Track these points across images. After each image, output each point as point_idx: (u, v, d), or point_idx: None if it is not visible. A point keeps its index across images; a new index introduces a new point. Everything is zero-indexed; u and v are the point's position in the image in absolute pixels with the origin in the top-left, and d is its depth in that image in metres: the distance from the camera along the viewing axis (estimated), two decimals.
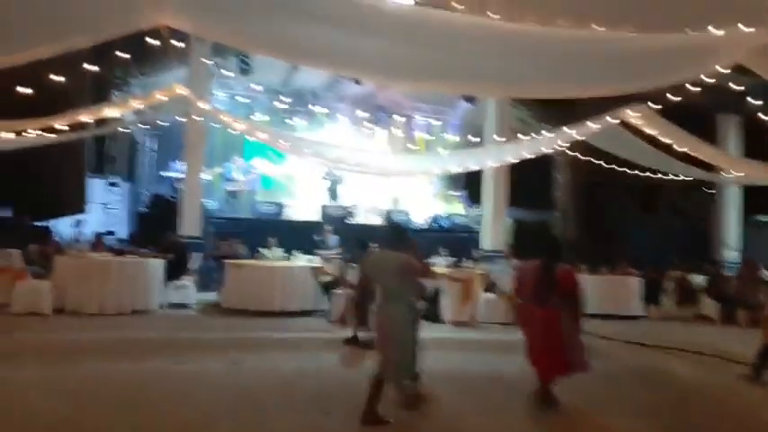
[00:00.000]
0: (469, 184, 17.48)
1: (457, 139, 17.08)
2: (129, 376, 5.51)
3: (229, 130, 10.87)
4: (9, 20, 4.76)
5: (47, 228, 11.63)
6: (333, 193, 15.32)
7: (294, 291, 9.47)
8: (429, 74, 6.39)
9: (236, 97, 15.23)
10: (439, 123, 17.40)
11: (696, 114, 11.88)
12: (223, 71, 12.47)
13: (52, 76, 9.08)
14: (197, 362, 6.13)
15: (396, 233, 4.96)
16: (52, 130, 8.81)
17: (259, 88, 14.58)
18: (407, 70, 6.35)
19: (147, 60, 12.68)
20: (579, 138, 9.60)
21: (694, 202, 18.51)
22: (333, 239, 10.99)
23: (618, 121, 8.85)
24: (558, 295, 4.93)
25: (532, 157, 10.59)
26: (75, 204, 12.46)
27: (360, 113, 16.16)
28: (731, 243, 16.35)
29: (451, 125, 16.86)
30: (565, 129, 8.89)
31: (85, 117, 8.50)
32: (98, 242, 10.51)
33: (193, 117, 10.08)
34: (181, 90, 7.91)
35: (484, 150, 10.82)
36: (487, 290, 10.40)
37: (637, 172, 14.38)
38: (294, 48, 5.84)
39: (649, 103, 9.20)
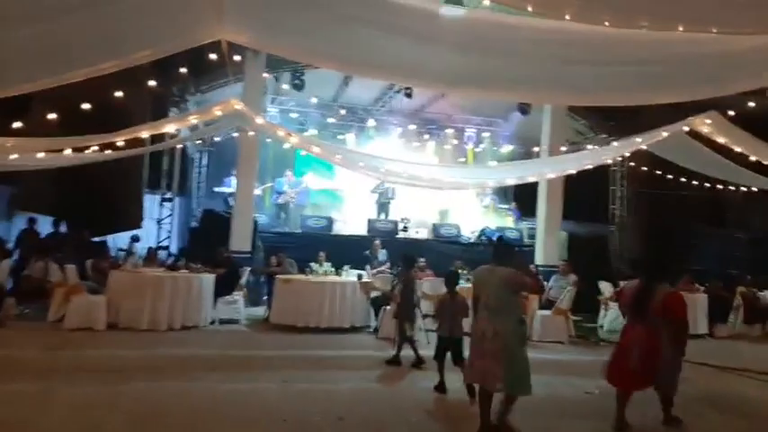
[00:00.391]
0: (520, 197, 17.07)
1: (510, 148, 16.73)
2: (182, 395, 5.42)
3: (283, 144, 10.89)
4: (73, 36, 4.81)
5: (104, 243, 11.88)
6: (382, 207, 15.19)
7: (344, 306, 9.32)
8: (493, 81, 6.17)
9: (289, 113, 15.35)
10: (489, 135, 17.07)
11: (763, 122, 11.23)
12: (284, 86, 12.49)
13: (114, 94, 9.36)
14: (248, 381, 6.02)
15: (502, 248, 5.05)
16: (112, 146, 8.99)
17: (314, 101, 14.65)
18: (470, 78, 6.14)
19: (203, 77, 12.94)
20: (644, 147, 9.14)
21: (760, 215, 17.54)
22: (382, 254, 10.81)
23: (686, 129, 8.37)
24: (660, 316, 4.88)
25: (591, 167, 10.18)
26: (132, 219, 12.72)
27: (411, 127, 16.06)
28: None
29: (503, 136, 16.52)
30: (635, 138, 8.45)
31: (146, 133, 8.62)
32: (151, 257, 10.65)
33: (248, 132, 10.11)
34: (238, 105, 7.92)
35: (542, 161, 10.43)
36: (543, 307, 10.01)
37: (698, 182, 13.78)
38: (354, 58, 5.73)
39: (726, 111, 8.75)
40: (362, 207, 15.68)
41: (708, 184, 14.11)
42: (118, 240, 12.69)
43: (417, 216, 15.47)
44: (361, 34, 5.50)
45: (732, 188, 14.86)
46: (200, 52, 10.59)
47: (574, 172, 9.39)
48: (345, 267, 10.29)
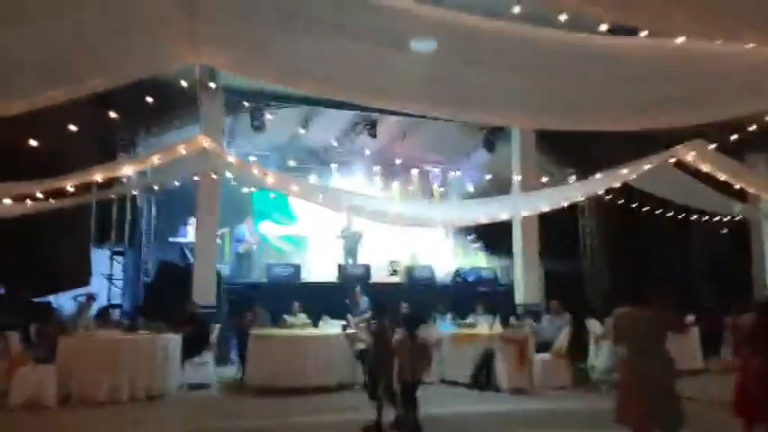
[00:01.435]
0: (483, 235, 16.73)
1: (471, 189, 16.39)
2: None
3: (244, 189, 10.06)
4: (24, 58, 3.96)
5: (48, 304, 10.58)
6: (350, 252, 14.45)
7: (329, 362, 8.44)
8: (481, 100, 5.68)
9: (248, 157, 14.53)
10: (454, 175, 16.72)
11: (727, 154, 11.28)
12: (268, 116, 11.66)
13: (56, 140, 8.44)
14: None
15: (642, 291, 5.09)
16: (56, 195, 8.02)
17: (304, 133, 13.76)
18: (456, 96, 5.63)
19: (154, 120, 12.05)
20: (629, 180, 8.87)
21: (723, 242, 17.82)
22: (364, 302, 10.02)
23: (673, 160, 8.14)
24: None
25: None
26: (79, 276, 11.46)
27: (375, 168, 15.59)
28: None
29: (468, 175, 16.17)
30: (621, 170, 8.11)
31: (99, 176, 7.67)
32: (104, 317, 9.47)
33: (212, 175, 9.26)
34: (206, 142, 7.14)
35: (524, 197, 10.01)
36: (539, 350, 9.40)
37: (663, 211, 13.79)
38: (338, 77, 5.10)
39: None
40: (328, 252, 14.90)
41: (675, 215, 14.19)
42: (62, 300, 11.38)
43: (387, 259, 14.80)
44: (349, 49, 4.96)
45: (696, 216, 15.08)
46: (151, 91, 9.85)
47: (565, 205, 8.98)
48: (324, 318, 9.43)
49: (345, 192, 8.85)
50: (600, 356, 10.73)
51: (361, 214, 8.28)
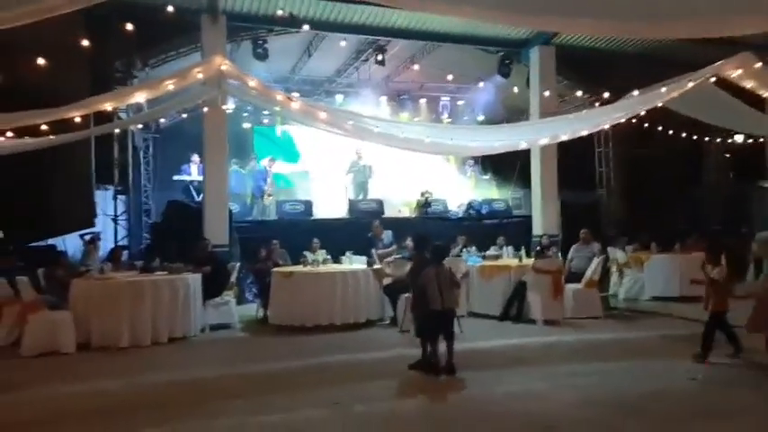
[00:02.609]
0: (493, 167, 16.28)
1: (481, 118, 15.77)
2: None
3: (245, 124, 9.33)
4: None
5: (53, 247, 10.09)
6: (360, 187, 14.00)
7: (357, 299, 8.13)
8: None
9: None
10: (464, 103, 16.02)
11: None
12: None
13: (45, 74, 7.80)
14: (286, 408, 4.72)
15: None
16: (55, 130, 7.41)
17: (308, 62, 13.21)
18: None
19: (150, 50, 11.22)
20: (665, 101, 8.26)
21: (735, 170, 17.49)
22: (387, 236, 9.62)
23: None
24: None
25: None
26: (83, 218, 10.92)
27: (381, 98, 14.89)
28: None
29: (480, 104, 15.47)
30: (660, 89, 7.53)
31: (110, 104, 7.04)
32: (116, 259, 9.04)
33: (224, 106, 8.57)
34: (225, 65, 6.47)
35: (556, 122, 9.37)
36: (568, 280, 9.10)
37: (684, 136, 13.39)
38: None
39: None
40: (335, 189, 14.46)
41: (695, 136, 13.78)
42: (67, 243, 10.91)
43: (400, 194, 14.37)
44: None
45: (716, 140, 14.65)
46: (145, 24, 9.08)
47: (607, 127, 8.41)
48: (347, 253, 9.05)
49: (377, 119, 8.19)
50: (624, 284, 10.55)
51: (393, 143, 7.69)
